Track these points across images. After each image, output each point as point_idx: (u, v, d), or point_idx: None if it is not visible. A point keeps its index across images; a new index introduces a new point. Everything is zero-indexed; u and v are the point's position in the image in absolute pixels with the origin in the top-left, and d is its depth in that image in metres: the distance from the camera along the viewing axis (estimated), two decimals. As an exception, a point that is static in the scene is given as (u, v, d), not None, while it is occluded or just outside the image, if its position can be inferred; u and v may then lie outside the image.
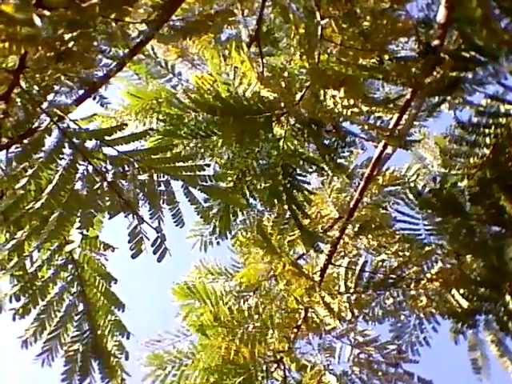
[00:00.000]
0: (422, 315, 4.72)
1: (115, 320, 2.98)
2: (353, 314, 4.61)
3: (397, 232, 4.87)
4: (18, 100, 2.82)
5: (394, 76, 3.81)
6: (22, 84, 2.77)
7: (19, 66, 2.73)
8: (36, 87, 2.88)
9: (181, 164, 2.81)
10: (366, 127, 4.31)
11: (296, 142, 4.25)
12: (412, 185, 5.11)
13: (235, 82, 4.12)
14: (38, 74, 2.87)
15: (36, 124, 2.82)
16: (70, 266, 2.99)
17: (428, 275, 4.55)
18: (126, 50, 3.39)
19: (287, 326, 4.60)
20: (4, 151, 2.84)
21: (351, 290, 4.70)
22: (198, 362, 4.45)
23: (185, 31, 3.89)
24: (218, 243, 4.79)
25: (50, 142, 2.69)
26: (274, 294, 4.75)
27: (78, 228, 2.60)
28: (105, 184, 2.66)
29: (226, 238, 4.63)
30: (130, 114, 4.54)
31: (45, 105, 2.82)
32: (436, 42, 3.89)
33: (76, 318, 2.96)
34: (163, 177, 2.74)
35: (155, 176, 2.73)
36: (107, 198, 2.66)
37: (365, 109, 3.94)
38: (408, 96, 4.19)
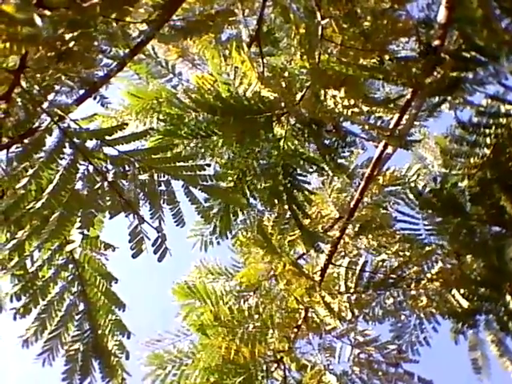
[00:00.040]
0: (422, 315, 4.72)
1: (116, 319, 2.98)
2: (353, 313, 4.61)
3: (397, 232, 4.88)
4: (19, 100, 2.82)
5: (395, 76, 3.82)
6: (23, 84, 2.77)
7: (20, 66, 2.73)
8: (36, 87, 2.88)
9: (181, 164, 2.81)
10: (367, 127, 4.31)
11: (296, 142, 4.25)
12: (412, 185, 5.11)
13: (236, 82, 4.12)
14: (38, 73, 2.87)
15: (37, 124, 2.83)
16: (70, 266, 3.00)
17: (428, 275, 4.56)
18: (127, 50, 3.39)
19: (287, 326, 4.61)
20: (5, 151, 2.84)
21: (351, 290, 4.70)
22: (198, 362, 4.45)
23: (185, 31, 3.89)
24: (218, 243, 4.79)
25: (50, 141, 2.70)
26: (274, 294, 4.75)
27: (78, 228, 2.60)
28: (105, 184, 2.66)
29: (227, 238, 4.63)
30: (131, 114, 4.54)
31: (45, 105, 2.82)
32: (436, 42, 3.89)
33: (77, 317, 2.96)
34: (164, 176, 2.74)
35: (156, 176, 2.73)
36: (108, 198, 2.66)
37: (365, 109, 3.94)
38: (408, 96, 4.19)
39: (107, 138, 2.71)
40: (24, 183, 2.60)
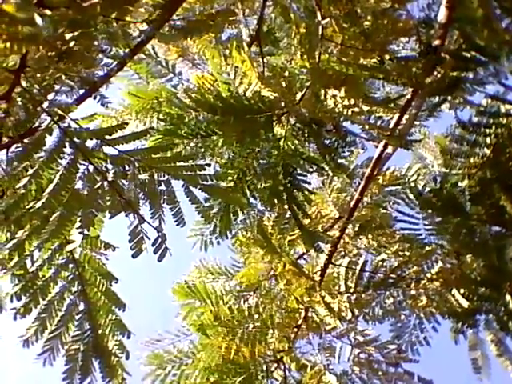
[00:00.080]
0: (422, 315, 4.72)
1: (116, 319, 2.98)
2: (353, 313, 4.61)
3: (397, 232, 4.88)
4: (19, 99, 2.82)
5: (395, 76, 3.82)
6: (23, 83, 2.77)
7: (20, 66, 2.73)
8: (37, 86, 2.88)
9: (181, 163, 2.81)
10: (367, 127, 4.31)
11: (296, 142, 4.25)
12: (412, 185, 5.11)
13: (236, 82, 4.12)
14: (38, 73, 2.86)
15: (37, 123, 2.83)
16: (70, 266, 2.99)
17: (428, 275, 4.56)
18: (127, 50, 3.39)
19: (287, 326, 4.61)
20: (5, 150, 2.84)
21: (351, 290, 4.70)
22: (198, 362, 4.45)
23: (185, 31, 3.89)
24: (218, 243, 4.79)
25: (50, 141, 2.70)
26: (274, 294, 4.75)
27: (78, 227, 2.60)
28: (105, 183, 2.66)
29: (227, 238, 4.63)
30: (131, 114, 4.54)
31: (45, 104, 2.82)
32: (437, 42, 3.89)
33: (77, 317, 2.96)
34: (164, 176, 2.73)
35: (156, 175, 2.73)
36: (108, 198, 2.66)
37: (365, 108, 3.94)
38: (408, 96, 4.19)
39: (107, 137, 2.71)
40: (24, 183, 2.60)
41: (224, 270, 5.20)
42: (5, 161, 2.83)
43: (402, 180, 5.29)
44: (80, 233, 2.59)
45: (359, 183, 4.93)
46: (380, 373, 4.51)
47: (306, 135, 4.24)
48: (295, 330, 4.63)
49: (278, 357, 4.55)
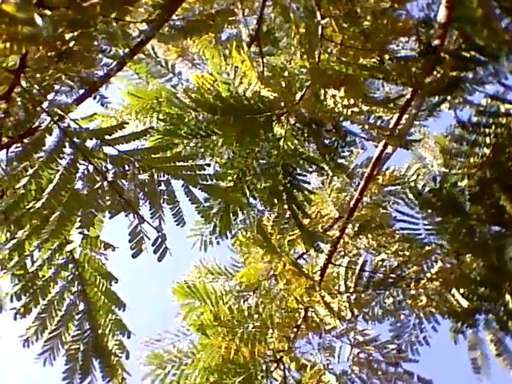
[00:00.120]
0: (421, 315, 4.73)
1: (116, 319, 2.98)
2: (353, 313, 4.62)
3: (397, 232, 4.88)
4: (19, 99, 2.82)
5: (395, 76, 3.82)
6: (23, 83, 2.77)
7: (20, 66, 2.73)
8: (36, 87, 2.88)
9: (181, 163, 2.81)
10: (367, 127, 4.31)
11: (296, 142, 4.25)
12: (412, 184, 5.11)
13: (235, 82, 4.12)
14: (38, 73, 2.86)
15: (36, 123, 2.83)
16: (70, 266, 3.00)
17: (428, 275, 4.56)
18: (127, 50, 3.39)
19: (287, 326, 4.61)
20: (5, 150, 2.84)
21: (351, 290, 4.70)
22: (197, 362, 4.45)
23: (185, 31, 3.89)
24: (217, 243, 4.79)
25: (50, 141, 2.70)
26: (273, 294, 4.75)
27: (78, 227, 2.60)
28: (105, 183, 2.66)
29: (226, 238, 4.63)
30: (131, 114, 4.54)
31: (45, 104, 2.82)
32: (436, 42, 3.90)
33: (77, 317, 2.96)
34: (164, 176, 2.74)
35: (156, 175, 2.73)
36: (108, 198, 2.66)
37: (365, 108, 3.94)
38: (408, 96, 4.20)
39: (107, 137, 2.71)
40: (24, 183, 2.60)
41: (224, 270, 5.20)
42: (5, 161, 2.83)
43: (401, 180, 5.29)
44: (80, 233, 2.59)
45: (359, 183, 4.93)
46: (380, 372, 4.51)
47: (306, 135, 4.25)
48: (295, 329, 4.63)
49: (278, 357, 4.56)
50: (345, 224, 4.86)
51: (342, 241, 4.94)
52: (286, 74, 4.15)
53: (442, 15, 3.91)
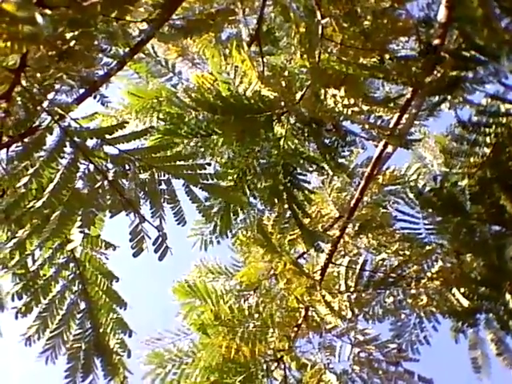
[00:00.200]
0: (422, 314, 4.73)
1: (117, 318, 2.98)
2: (353, 312, 4.62)
3: (397, 231, 4.88)
4: (19, 99, 2.82)
5: (395, 75, 3.82)
6: (23, 83, 2.77)
7: (20, 65, 2.73)
8: (37, 86, 2.88)
9: (182, 163, 2.81)
10: (367, 126, 4.31)
11: (296, 141, 4.25)
12: (412, 184, 5.12)
13: (236, 81, 4.12)
14: (38, 72, 2.86)
15: (37, 123, 2.83)
16: (71, 265, 2.99)
17: (428, 274, 4.56)
18: (127, 49, 3.39)
19: (287, 325, 4.61)
20: (5, 150, 2.84)
21: (351, 289, 4.71)
22: (198, 361, 4.46)
23: (185, 30, 3.89)
24: (218, 242, 4.79)
25: (51, 140, 2.70)
26: (274, 293, 4.76)
27: (79, 227, 2.60)
28: (106, 183, 2.66)
29: (227, 237, 4.64)
30: (131, 113, 4.54)
31: (46, 103, 2.82)
32: (436, 42, 3.90)
33: (78, 316, 2.96)
34: (164, 175, 2.74)
35: (156, 175, 2.73)
36: (108, 197, 2.66)
37: (365, 108, 3.94)
38: (408, 95, 4.20)
39: (107, 136, 2.71)
40: (25, 182, 2.60)
41: (224, 270, 5.20)
42: (5, 160, 2.83)
43: (401, 179, 5.29)
44: (81, 232, 2.59)
45: (359, 182, 4.93)
46: (380, 372, 4.52)
47: (306, 135, 4.25)
48: (295, 329, 4.64)
49: (279, 356, 4.56)
50: (345, 223, 4.86)
51: (342, 240, 4.94)
52: (286, 73, 4.16)
53: (442, 15, 3.91)
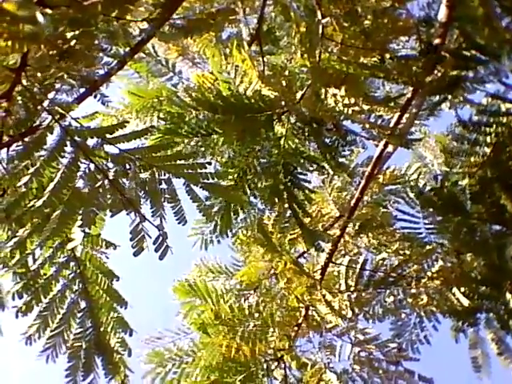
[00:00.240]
0: (422, 313, 4.73)
1: (118, 317, 2.98)
2: (353, 312, 4.62)
3: (397, 231, 4.88)
4: (20, 98, 2.82)
5: (395, 75, 3.82)
6: (24, 82, 2.77)
7: (21, 64, 2.73)
8: (37, 85, 2.88)
9: (182, 162, 2.81)
10: (367, 126, 4.31)
11: (297, 141, 4.25)
12: (413, 183, 5.12)
13: (236, 81, 4.12)
14: (39, 72, 2.87)
15: (37, 122, 2.83)
16: (72, 264, 3.00)
17: (429, 273, 4.56)
18: (127, 49, 3.39)
19: (288, 324, 4.61)
20: (6, 149, 2.84)
21: (352, 289, 4.71)
22: (198, 360, 4.46)
23: (186, 30, 3.89)
24: (218, 241, 4.79)
25: (51, 140, 2.70)
26: (274, 293, 4.76)
27: (79, 226, 2.60)
28: (106, 182, 2.66)
29: (227, 237, 4.64)
30: (131, 113, 4.55)
31: (46, 103, 2.83)
32: (437, 41, 3.90)
33: (79, 315, 2.96)
34: (165, 175, 2.74)
35: (157, 174, 2.73)
36: (109, 196, 2.66)
37: (366, 107, 3.94)
38: (409, 95, 4.20)
39: (108, 136, 2.71)
40: (25, 181, 2.60)
41: (224, 269, 5.20)
42: (6, 159, 2.84)
43: (402, 179, 5.29)
44: (81, 231, 2.60)
45: (359, 182, 4.93)
46: (380, 371, 4.52)
47: (307, 134, 4.25)
48: (296, 328, 4.64)
49: (279, 355, 4.56)
50: (345, 223, 4.86)
51: (342, 240, 4.94)
52: (286, 73, 4.16)
53: (442, 14, 3.91)
